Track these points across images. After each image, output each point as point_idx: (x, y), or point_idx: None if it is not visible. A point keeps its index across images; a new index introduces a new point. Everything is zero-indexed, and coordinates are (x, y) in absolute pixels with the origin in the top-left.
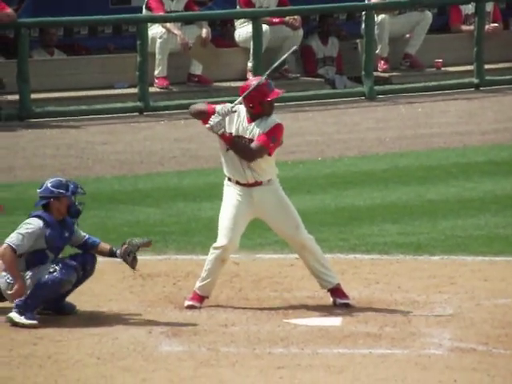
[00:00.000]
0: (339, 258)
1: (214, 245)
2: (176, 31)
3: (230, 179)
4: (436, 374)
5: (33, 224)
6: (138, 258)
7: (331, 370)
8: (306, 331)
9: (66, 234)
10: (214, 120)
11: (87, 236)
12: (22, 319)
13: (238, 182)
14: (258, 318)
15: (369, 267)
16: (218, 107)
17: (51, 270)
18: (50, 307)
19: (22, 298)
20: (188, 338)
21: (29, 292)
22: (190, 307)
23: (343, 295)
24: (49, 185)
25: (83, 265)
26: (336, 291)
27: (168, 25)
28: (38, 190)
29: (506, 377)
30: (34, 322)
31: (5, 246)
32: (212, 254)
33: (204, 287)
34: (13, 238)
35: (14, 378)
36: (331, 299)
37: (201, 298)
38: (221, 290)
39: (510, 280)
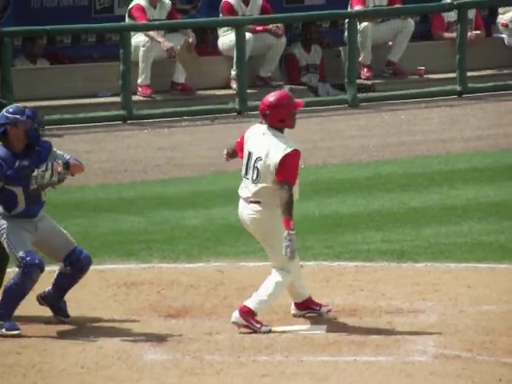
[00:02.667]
0: (323, 265)
1: (288, 270)
2: (159, 38)
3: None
4: (420, 381)
5: None
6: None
7: (316, 377)
8: (291, 339)
9: (25, 163)
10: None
11: (68, 156)
12: (2, 332)
13: None
14: None
15: (353, 274)
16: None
17: (13, 275)
18: (49, 301)
19: None
20: (173, 346)
21: None
22: (242, 326)
23: (317, 304)
24: (5, 112)
25: (76, 262)
26: (308, 303)
27: (151, 33)
28: None
29: (490, 383)
30: (16, 332)
31: None
32: (284, 280)
33: (262, 308)
34: None
35: None
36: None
37: (254, 316)
38: (205, 299)
39: (494, 287)
